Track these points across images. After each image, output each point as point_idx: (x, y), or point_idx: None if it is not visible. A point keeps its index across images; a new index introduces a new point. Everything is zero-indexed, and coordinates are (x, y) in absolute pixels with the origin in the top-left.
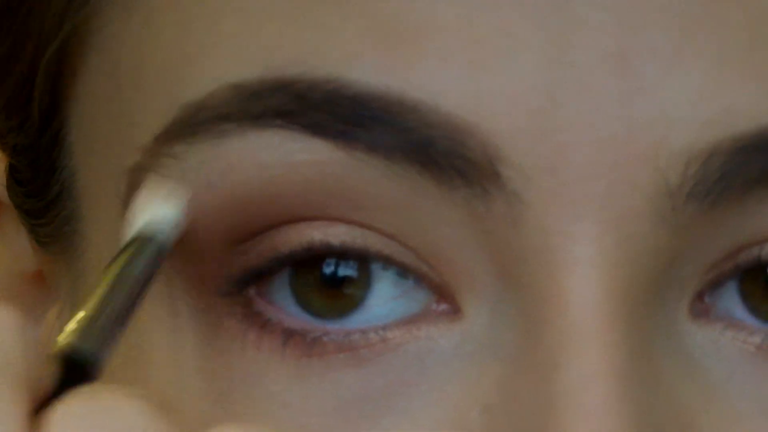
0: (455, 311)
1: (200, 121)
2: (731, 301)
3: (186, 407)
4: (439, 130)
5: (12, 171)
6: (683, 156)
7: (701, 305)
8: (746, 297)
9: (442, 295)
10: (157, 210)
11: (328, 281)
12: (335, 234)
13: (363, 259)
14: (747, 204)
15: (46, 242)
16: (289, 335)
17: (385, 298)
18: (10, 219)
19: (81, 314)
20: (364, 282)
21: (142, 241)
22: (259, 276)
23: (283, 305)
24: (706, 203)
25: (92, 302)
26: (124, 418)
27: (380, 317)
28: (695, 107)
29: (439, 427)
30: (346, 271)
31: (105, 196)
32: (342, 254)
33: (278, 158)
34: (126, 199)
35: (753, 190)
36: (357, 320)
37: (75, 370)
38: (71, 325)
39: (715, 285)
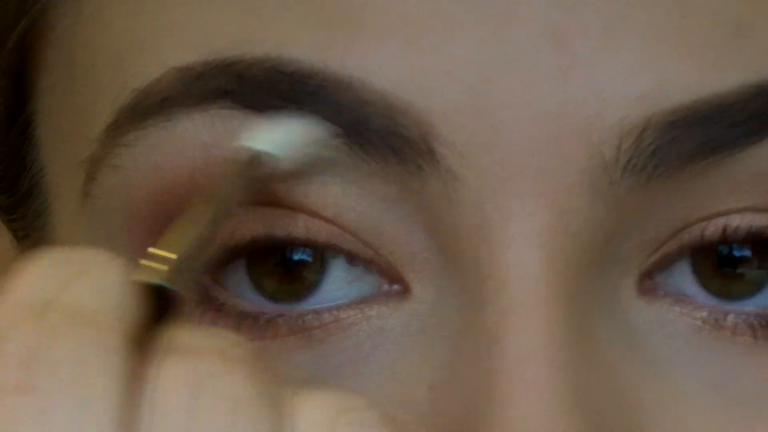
0: (404, 291)
1: (148, 107)
2: (682, 278)
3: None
4: (374, 107)
5: None
6: (616, 130)
7: (650, 282)
8: (698, 274)
9: (391, 277)
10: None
11: (284, 265)
12: (282, 226)
13: (313, 247)
14: (684, 179)
15: (21, 237)
16: (243, 318)
17: (339, 282)
18: None
19: (179, 245)
20: (319, 266)
21: (246, 165)
22: (214, 266)
23: (239, 290)
24: (642, 177)
25: (190, 236)
26: (215, 386)
27: (334, 300)
28: (627, 82)
29: (389, 406)
30: (301, 255)
31: (66, 189)
32: (291, 243)
33: (220, 138)
34: (84, 192)
35: (690, 164)
36: (311, 303)
37: (163, 299)
38: (168, 252)
39: (664, 263)
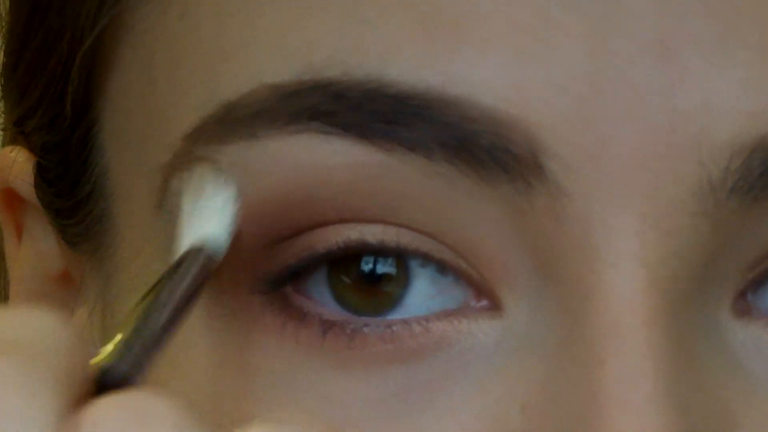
0: (495, 307)
1: (235, 121)
2: None
3: (225, 405)
4: (481, 124)
5: (40, 170)
6: (726, 150)
7: (744, 303)
8: None
9: (481, 292)
10: (210, 221)
11: (366, 278)
12: (372, 233)
13: (400, 256)
14: None
15: (76, 242)
16: (329, 326)
17: (423, 296)
18: (36, 219)
19: (122, 334)
20: (403, 279)
21: (192, 256)
22: (296, 274)
23: (321, 301)
24: (748, 198)
25: (133, 322)
26: (158, 418)
27: (418, 313)
28: (739, 99)
29: (479, 424)
30: (384, 268)
31: (137, 195)
32: (379, 252)
33: (315, 161)
34: (159, 198)
35: None
36: (395, 317)
37: (110, 389)
38: (110, 346)
39: (757, 283)
